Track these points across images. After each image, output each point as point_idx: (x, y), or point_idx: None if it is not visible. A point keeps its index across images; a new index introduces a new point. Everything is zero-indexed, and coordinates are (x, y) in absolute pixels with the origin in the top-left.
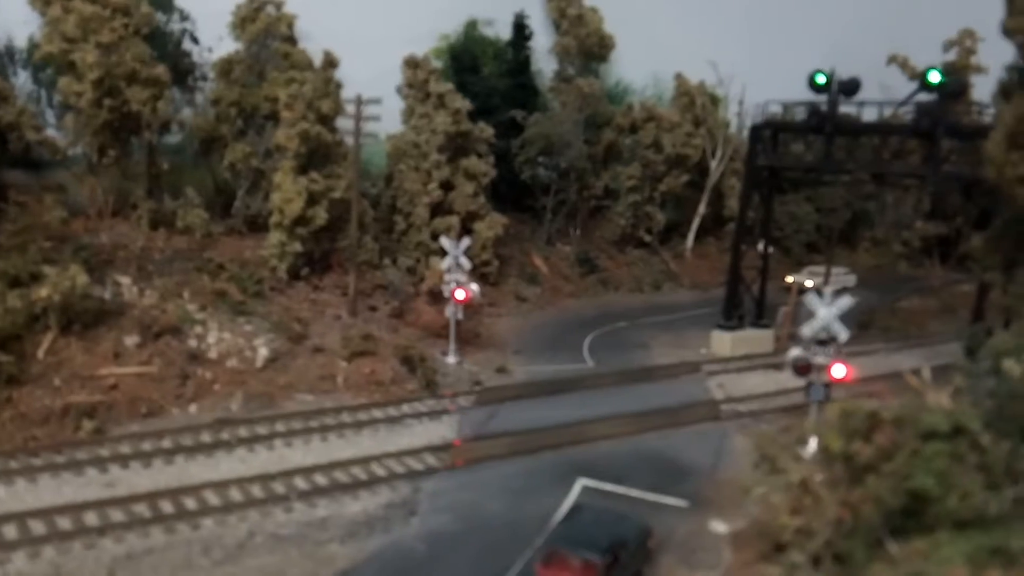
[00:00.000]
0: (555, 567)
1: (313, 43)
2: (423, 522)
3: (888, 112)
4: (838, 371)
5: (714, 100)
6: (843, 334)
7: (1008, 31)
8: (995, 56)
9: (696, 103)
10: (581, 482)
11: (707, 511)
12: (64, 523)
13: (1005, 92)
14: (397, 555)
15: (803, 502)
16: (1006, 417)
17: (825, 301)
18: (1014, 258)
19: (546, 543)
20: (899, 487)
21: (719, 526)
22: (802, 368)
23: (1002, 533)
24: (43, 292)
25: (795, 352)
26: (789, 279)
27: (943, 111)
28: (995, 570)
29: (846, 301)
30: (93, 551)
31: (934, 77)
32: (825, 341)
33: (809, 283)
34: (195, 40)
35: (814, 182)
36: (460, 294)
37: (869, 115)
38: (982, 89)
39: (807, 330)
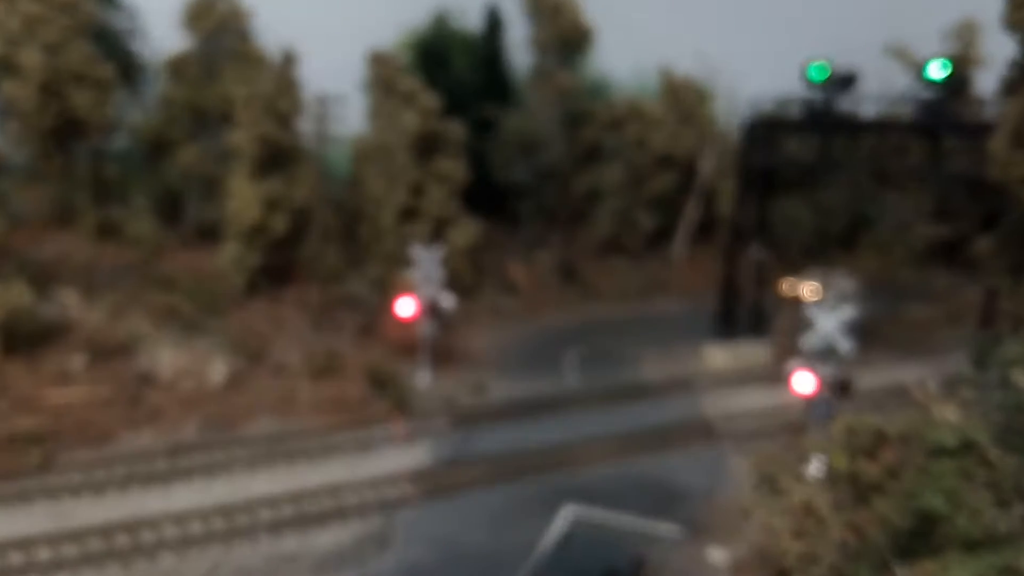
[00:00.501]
0: None
1: (269, 35)
2: (398, 555)
3: (882, 108)
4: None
5: (703, 95)
6: (845, 346)
7: (1010, 24)
8: (997, 48)
9: (683, 98)
10: (568, 509)
11: (704, 538)
12: (16, 558)
13: (1009, 88)
14: None
15: (806, 525)
16: (1015, 430)
17: (826, 311)
18: (1022, 262)
19: (533, 573)
20: (907, 507)
21: (717, 553)
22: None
23: (1011, 552)
24: None
25: (795, 364)
26: (785, 287)
27: (944, 107)
28: None
29: (848, 311)
30: None
31: (934, 70)
32: (826, 354)
33: (808, 291)
34: (143, 38)
35: (811, 182)
36: (430, 307)
37: (867, 110)
38: (983, 82)
39: (807, 343)
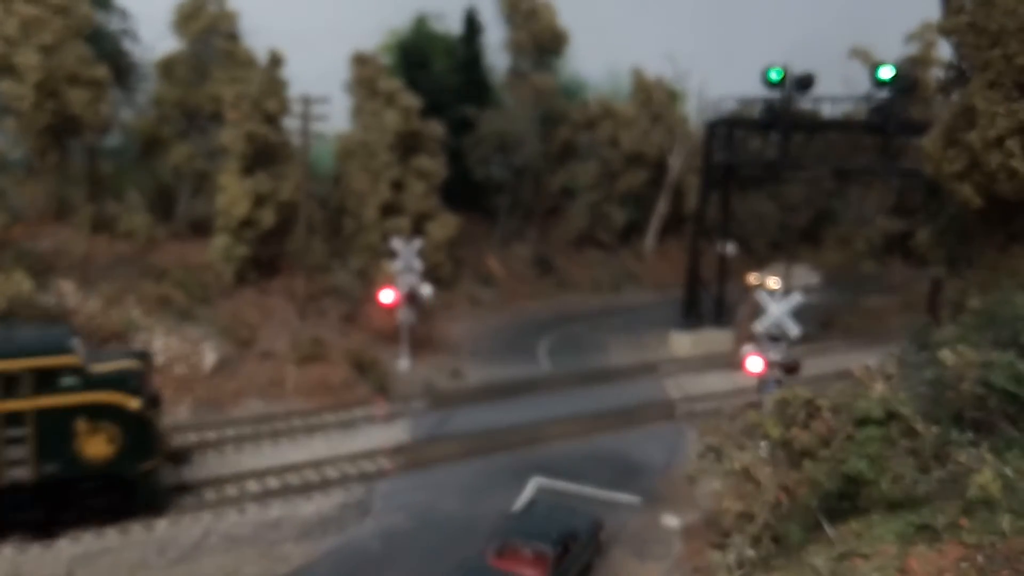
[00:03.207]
0: (508, 558)
1: (256, 39)
2: (377, 521)
3: (846, 107)
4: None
5: (673, 95)
6: (794, 330)
7: (945, 31)
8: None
9: (654, 98)
10: (535, 481)
11: (660, 506)
12: None
13: (944, 89)
14: (352, 553)
15: (745, 488)
16: (940, 403)
17: (776, 298)
18: (957, 253)
19: (499, 535)
20: (835, 471)
21: (671, 520)
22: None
23: (929, 512)
24: None
25: (748, 349)
26: (751, 278)
27: (895, 107)
28: (921, 545)
29: (797, 298)
30: (51, 551)
31: (884, 73)
32: (777, 337)
33: (771, 282)
34: (135, 39)
35: (775, 179)
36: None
37: (830, 111)
38: None
39: (759, 326)
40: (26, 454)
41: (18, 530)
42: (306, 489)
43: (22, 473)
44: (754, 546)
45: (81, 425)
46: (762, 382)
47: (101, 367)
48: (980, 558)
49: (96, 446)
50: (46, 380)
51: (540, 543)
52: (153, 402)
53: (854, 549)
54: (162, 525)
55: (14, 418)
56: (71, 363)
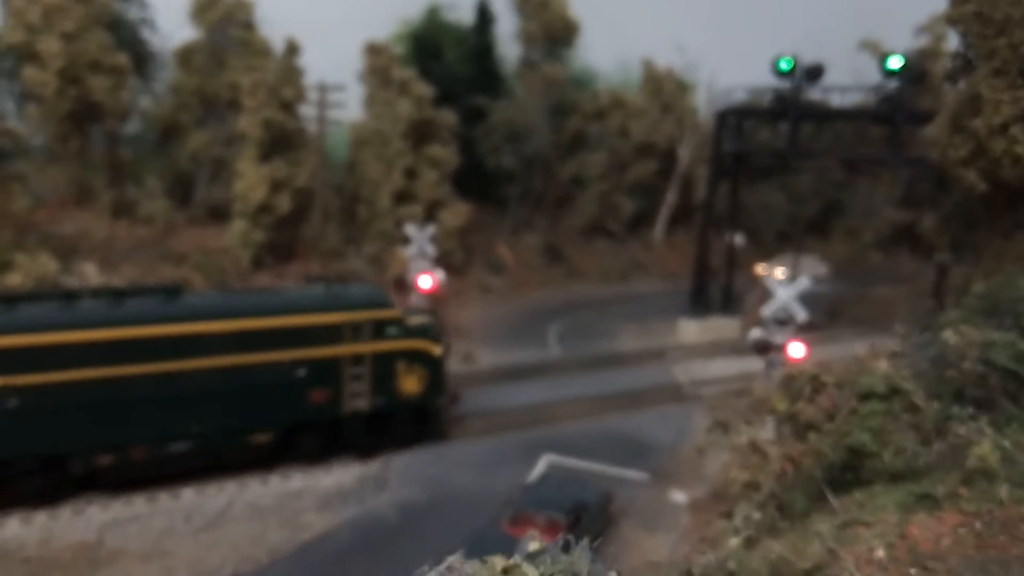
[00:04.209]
0: (522, 526)
1: (272, 28)
2: (394, 494)
3: (855, 98)
4: (795, 351)
5: (683, 86)
6: (800, 314)
7: (951, 20)
8: None
9: (664, 88)
10: (547, 458)
11: (667, 483)
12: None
13: (951, 77)
14: (371, 522)
15: (751, 459)
16: (942, 381)
17: (784, 284)
18: (962, 239)
19: (513, 504)
20: (839, 443)
21: (679, 495)
22: (761, 348)
23: (928, 482)
24: (16, 279)
25: (755, 332)
26: (759, 269)
27: (904, 96)
28: (922, 513)
29: (804, 283)
30: (82, 517)
31: (893, 63)
32: (784, 321)
33: (779, 272)
34: (154, 28)
35: (783, 169)
36: (425, 282)
37: (840, 101)
38: None
39: (766, 310)
40: (364, 388)
41: (351, 451)
42: (326, 462)
43: (361, 404)
44: (759, 511)
45: (400, 366)
46: (769, 364)
47: (413, 320)
48: (978, 524)
49: (410, 384)
50: (379, 329)
51: (552, 511)
52: (446, 349)
53: (856, 518)
54: (188, 494)
55: (358, 359)
56: (396, 316)
